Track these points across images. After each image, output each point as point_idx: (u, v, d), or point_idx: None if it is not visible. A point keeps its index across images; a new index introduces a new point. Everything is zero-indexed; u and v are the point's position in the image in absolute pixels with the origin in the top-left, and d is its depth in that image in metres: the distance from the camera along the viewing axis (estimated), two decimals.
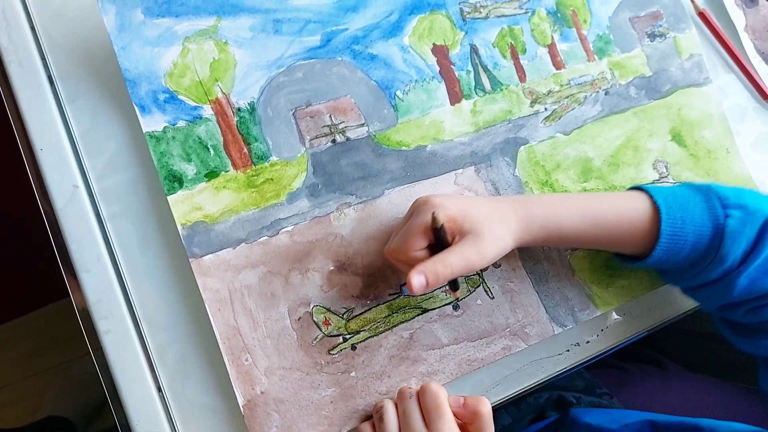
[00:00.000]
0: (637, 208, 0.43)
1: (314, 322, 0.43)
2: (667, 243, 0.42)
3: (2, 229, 1.07)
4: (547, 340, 0.47)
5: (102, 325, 0.40)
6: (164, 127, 0.42)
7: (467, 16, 0.50)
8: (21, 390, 1.10)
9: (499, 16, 0.51)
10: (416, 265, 0.38)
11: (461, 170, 0.49)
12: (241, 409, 0.40)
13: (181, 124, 0.43)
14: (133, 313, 0.41)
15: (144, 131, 0.42)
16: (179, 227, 0.42)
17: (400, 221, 0.44)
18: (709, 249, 0.41)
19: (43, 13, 0.42)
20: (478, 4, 0.51)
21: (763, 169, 0.57)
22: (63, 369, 1.10)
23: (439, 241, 0.40)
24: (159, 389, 0.40)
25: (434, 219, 0.39)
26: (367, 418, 0.43)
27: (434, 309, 0.46)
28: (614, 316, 0.49)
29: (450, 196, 0.42)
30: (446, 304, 0.46)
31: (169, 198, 0.42)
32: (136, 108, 0.42)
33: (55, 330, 1.11)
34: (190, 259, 0.41)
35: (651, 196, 0.43)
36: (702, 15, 0.57)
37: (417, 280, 0.37)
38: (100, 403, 1.08)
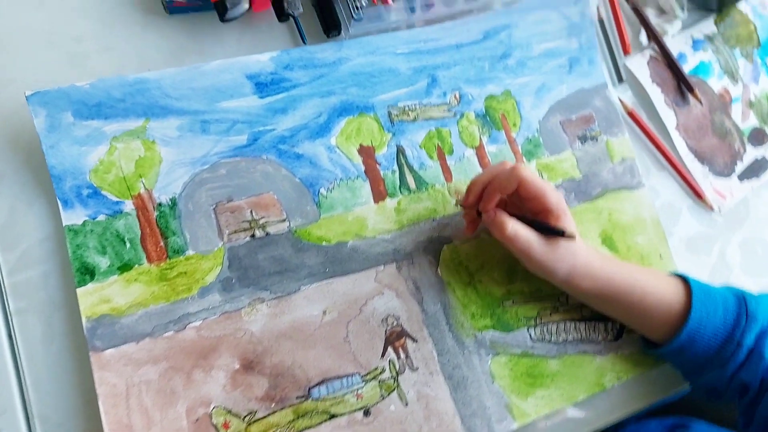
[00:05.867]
0: (674, 290, 0.47)
1: (213, 424, 0.42)
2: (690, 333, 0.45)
3: None
4: None
5: None
6: (84, 221, 0.44)
7: (395, 118, 0.53)
8: None
9: (427, 119, 0.53)
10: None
11: (382, 267, 0.49)
12: None
13: (101, 218, 0.44)
14: (27, 410, 0.40)
15: (64, 224, 0.43)
16: (83, 320, 0.42)
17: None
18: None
19: None
20: (406, 108, 0.53)
21: (700, 272, 0.56)
22: None
23: (535, 223, 0.46)
24: None
25: (568, 233, 0.45)
26: None
27: (343, 415, 0.44)
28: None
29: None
30: (356, 410, 0.45)
31: (78, 290, 0.42)
32: (59, 202, 0.44)
33: None
34: (90, 353, 0.41)
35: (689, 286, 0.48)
36: (631, 114, 0.58)
37: (493, 214, 0.46)
38: None
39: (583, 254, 0.47)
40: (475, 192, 0.47)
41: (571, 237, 0.45)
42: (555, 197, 0.45)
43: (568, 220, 0.46)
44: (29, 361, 0.41)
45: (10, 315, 0.42)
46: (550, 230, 0.45)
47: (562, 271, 0.46)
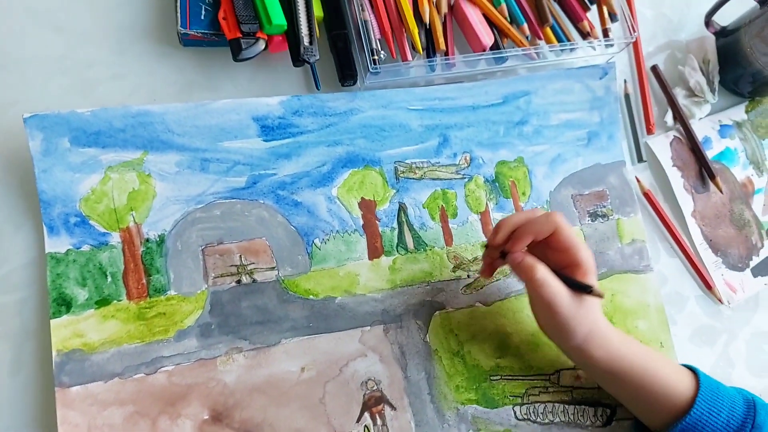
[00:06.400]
0: (684, 384, 0.45)
1: None
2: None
3: None
4: None
5: None
6: (67, 250, 0.43)
7: (401, 175, 0.51)
8: None
9: (434, 179, 0.52)
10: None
11: (368, 328, 0.47)
12: None
13: (85, 248, 0.43)
14: None
15: (46, 251, 0.42)
16: (54, 353, 0.41)
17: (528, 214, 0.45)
18: None
19: None
20: (413, 165, 0.51)
21: (700, 364, 0.53)
22: None
23: (561, 276, 0.43)
24: None
25: (596, 292, 0.43)
26: None
27: None
28: None
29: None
30: None
31: (52, 321, 0.41)
32: (44, 228, 0.43)
33: None
34: (56, 389, 0.40)
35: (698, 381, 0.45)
36: (647, 195, 0.56)
37: (521, 257, 0.43)
38: None
39: (603, 322, 0.44)
40: (506, 231, 0.44)
41: (598, 295, 0.42)
42: (586, 252, 0.43)
43: (595, 280, 0.44)
44: None
45: None
46: (576, 285, 0.43)
47: (580, 333, 0.43)
